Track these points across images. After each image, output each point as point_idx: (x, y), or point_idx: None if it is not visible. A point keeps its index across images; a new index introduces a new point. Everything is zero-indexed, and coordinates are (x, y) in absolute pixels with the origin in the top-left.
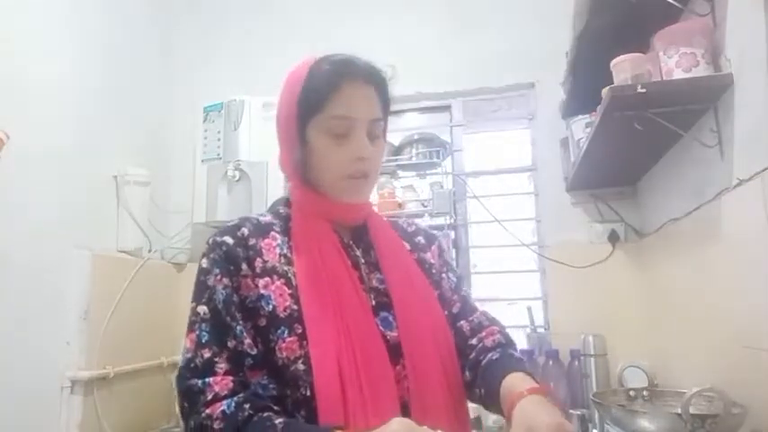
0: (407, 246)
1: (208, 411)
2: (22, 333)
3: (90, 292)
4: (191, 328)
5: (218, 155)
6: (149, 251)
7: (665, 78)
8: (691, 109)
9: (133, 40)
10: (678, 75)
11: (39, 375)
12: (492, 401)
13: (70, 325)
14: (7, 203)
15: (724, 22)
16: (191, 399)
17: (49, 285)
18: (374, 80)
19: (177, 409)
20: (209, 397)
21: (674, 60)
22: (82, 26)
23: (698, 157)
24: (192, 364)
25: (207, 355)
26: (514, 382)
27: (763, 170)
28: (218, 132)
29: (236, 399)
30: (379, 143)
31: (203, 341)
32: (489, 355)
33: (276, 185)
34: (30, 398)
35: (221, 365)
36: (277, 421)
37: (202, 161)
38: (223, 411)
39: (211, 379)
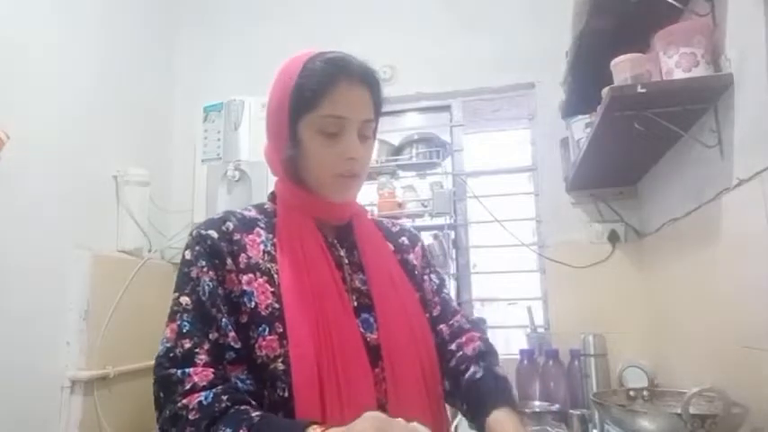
0: (391, 246)
1: (184, 401)
2: (22, 333)
3: (90, 292)
4: (171, 318)
5: (218, 155)
6: (149, 251)
7: (665, 78)
8: (691, 109)
9: (133, 41)
10: (678, 75)
11: (39, 375)
12: (476, 427)
13: (70, 325)
14: (7, 203)
15: (724, 22)
16: (167, 388)
17: (49, 285)
18: (368, 80)
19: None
20: (187, 387)
21: (674, 60)
22: (82, 26)
23: (698, 157)
24: (172, 354)
25: (187, 345)
26: (499, 428)
27: (763, 170)
28: (218, 132)
29: (214, 390)
30: (369, 144)
31: (184, 331)
32: (471, 369)
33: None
34: (30, 398)
35: (201, 357)
36: (254, 414)
37: (202, 161)
38: (200, 402)
39: (191, 369)
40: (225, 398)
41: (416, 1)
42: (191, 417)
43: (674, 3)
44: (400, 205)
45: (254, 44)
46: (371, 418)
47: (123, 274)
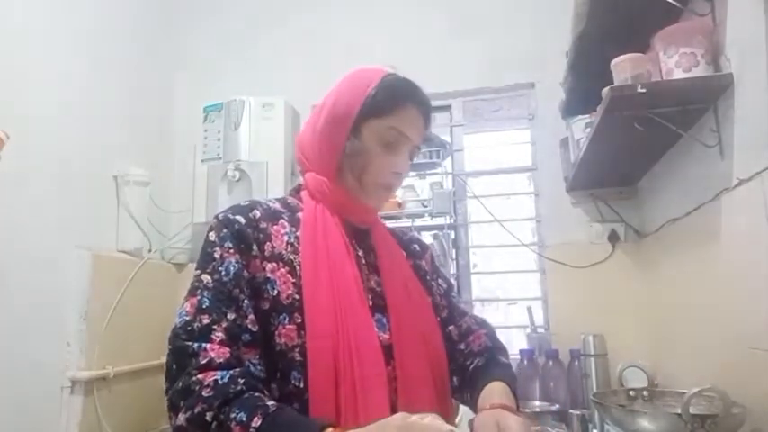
0: (404, 253)
1: (199, 377)
2: (22, 333)
3: (90, 292)
4: (192, 293)
5: (218, 155)
6: (149, 251)
7: (665, 78)
8: (691, 109)
9: (134, 40)
10: (678, 75)
11: (39, 375)
12: (474, 408)
13: (70, 325)
14: (7, 204)
15: (724, 22)
16: (181, 360)
17: (49, 285)
18: (428, 113)
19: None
20: (203, 361)
21: (674, 60)
22: (82, 26)
23: (698, 157)
24: (190, 327)
25: (206, 321)
26: (486, 392)
27: (763, 170)
28: (218, 132)
29: (231, 372)
30: (409, 165)
31: (204, 306)
32: (476, 360)
33: (276, 185)
34: (30, 398)
35: (218, 334)
36: (269, 402)
37: (202, 161)
38: (215, 380)
39: (207, 345)
40: (241, 381)
41: (416, 1)
42: (204, 393)
43: (674, 3)
44: (400, 205)
45: (255, 45)
46: (400, 417)
47: (123, 274)
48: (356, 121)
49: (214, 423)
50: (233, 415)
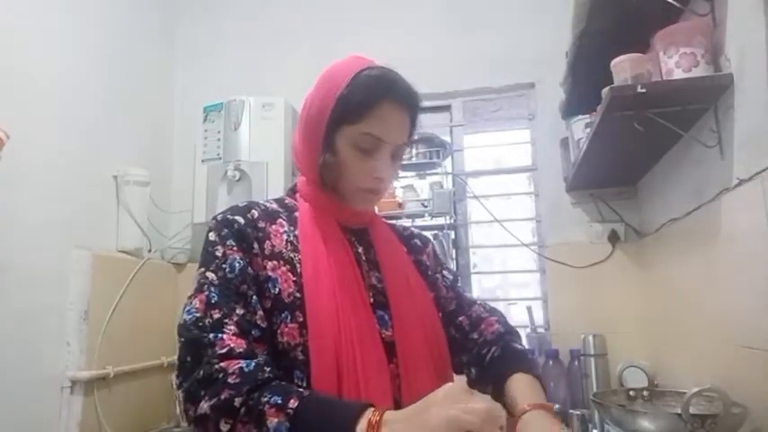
0: (405, 248)
1: (222, 365)
2: (22, 333)
3: (90, 292)
4: (199, 290)
5: (218, 155)
6: (149, 251)
7: (665, 78)
8: (691, 109)
9: (133, 41)
10: (678, 75)
11: (39, 375)
12: (501, 401)
13: (70, 325)
14: (7, 203)
15: (724, 22)
16: (197, 351)
17: (49, 285)
18: (411, 106)
19: (177, 366)
20: (222, 351)
21: (674, 60)
22: (82, 26)
23: (698, 157)
24: (201, 323)
25: (216, 315)
26: (517, 390)
27: (763, 170)
28: (218, 132)
29: (256, 360)
30: (397, 163)
31: (213, 302)
32: (492, 350)
33: (276, 185)
34: (30, 398)
35: (230, 327)
36: (300, 389)
37: (202, 161)
38: (241, 368)
39: (224, 335)
40: (267, 369)
41: (416, 1)
42: (230, 380)
43: (674, 3)
44: (400, 205)
45: (255, 44)
46: (450, 387)
47: (123, 274)
48: (329, 130)
49: (243, 408)
50: (265, 399)
